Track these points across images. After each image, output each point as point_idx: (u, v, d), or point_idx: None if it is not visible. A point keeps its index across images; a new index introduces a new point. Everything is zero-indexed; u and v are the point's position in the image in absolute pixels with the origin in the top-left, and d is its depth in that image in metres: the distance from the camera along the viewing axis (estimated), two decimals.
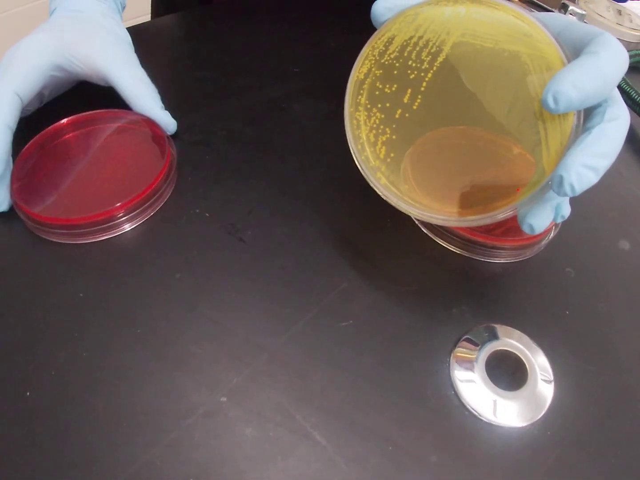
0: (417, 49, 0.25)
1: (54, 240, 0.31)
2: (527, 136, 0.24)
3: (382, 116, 0.26)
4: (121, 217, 0.31)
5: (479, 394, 0.27)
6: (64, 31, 0.35)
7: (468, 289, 0.31)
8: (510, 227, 0.33)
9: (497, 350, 0.28)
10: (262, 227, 0.33)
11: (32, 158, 0.33)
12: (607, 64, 0.23)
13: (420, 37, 0.25)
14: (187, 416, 0.25)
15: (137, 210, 0.32)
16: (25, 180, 0.32)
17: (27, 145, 0.33)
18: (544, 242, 0.33)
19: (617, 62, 0.23)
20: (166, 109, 0.36)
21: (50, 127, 0.35)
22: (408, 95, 0.26)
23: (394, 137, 0.26)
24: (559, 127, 0.23)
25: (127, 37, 0.39)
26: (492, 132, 0.25)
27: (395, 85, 0.26)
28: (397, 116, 0.26)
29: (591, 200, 0.37)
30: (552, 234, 0.33)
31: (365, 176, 0.28)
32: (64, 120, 0.35)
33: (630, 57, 0.50)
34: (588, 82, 0.22)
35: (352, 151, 0.28)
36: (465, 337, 0.29)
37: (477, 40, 0.24)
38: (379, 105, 0.27)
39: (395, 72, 0.26)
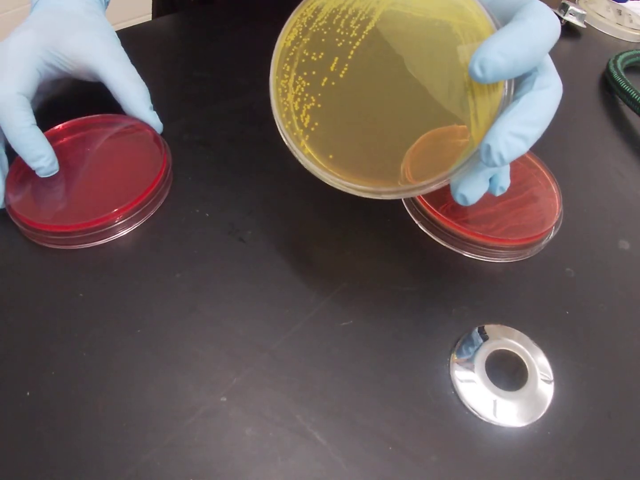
0: (346, 17, 0.25)
1: (51, 246, 0.31)
2: (457, 107, 0.23)
3: (308, 84, 0.26)
4: (119, 222, 0.31)
5: (479, 394, 0.27)
6: (48, 27, 0.34)
7: (468, 289, 0.31)
8: (510, 227, 0.33)
9: (497, 350, 0.28)
10: (262, 227, 0.33)
11: (27, 164, 0.33)
12: (535, 31, 0.22)
13: (350, 6, 0.25)
14: (187, 416, 0.25)
15: (135, 214, 0.32)
16: (21, 186, 0.32)
17: None
18: (544, 242, 0.33)
19: (546, 29, 0.22)
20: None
21: (45, 133, 0.34)
22: (335, 63, 0.25)
23: (319, 105, 0.25)
24: (488, 98, 0.23)
25: (113, 33, 0.37)
26: (423, 104, 0.24)
27: (322, 54, 0.25)
28: (322, 84, 0.25)
29: (591, 200, 0.37)
30: (552, 234, 0.34)
31: (288, 145, 0.26)
32: (59, 126, 0.35)
33: (630, 57, 0.50)
34: (515, 49, 0.21)
35: (275, 119, 0.27)
36: (465, 337, 0.29)
37: (408, 10, 0.24)
38: (305, 74, 0.26)
39: (323, 40, 0.25)
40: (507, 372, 0.28)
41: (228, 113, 0.40)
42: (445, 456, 0.25)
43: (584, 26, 0.55)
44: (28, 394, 0.25)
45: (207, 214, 0.33)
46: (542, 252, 0.33)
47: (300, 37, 0.26)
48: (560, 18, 0.55)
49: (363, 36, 0.24)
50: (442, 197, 0.34)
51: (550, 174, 0.36)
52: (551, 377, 0.28)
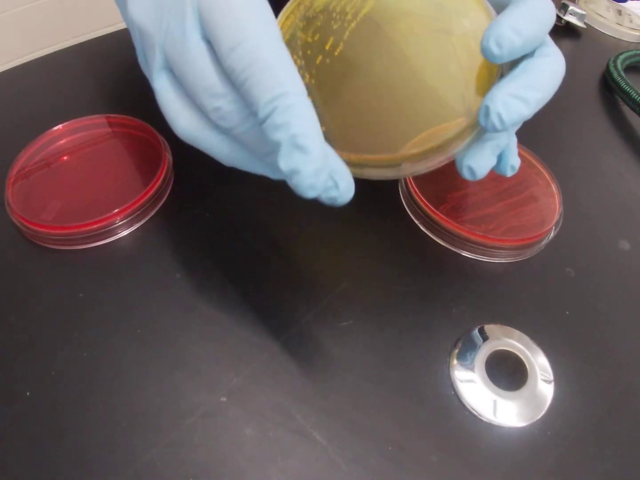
0: (342, 3, 0.25)
1: (51, 247, 0.31)
2: (451, 90, 0.24)
3: (302, 62, 0.25)
4: (119, 222, 0.31)
5: (479, 394, 0.27)
6: None
7: (468, 289, 0.31)
8: (510, 227, 0.33)
9: (497, 350, 0.28)
10: (262, 227, 0.33)
11: (27, 164, 0.33)
12: (538, 8, 0.22)
13: None
14: (187, 416, 0.25)
15: (135, 215, 0.32)
16: (20, 186, 0.32)
17: (22, 152, 0.33)
18: (544, 242, 0.33)
19: (546, 6, 0.23)
20: None
21: (45, 133, 0.34)
22: (330, 42, 0.25)
23: (312, 81, 0.25)
24: (485, 76, 0.23)
25: None
26: (417, 88, 0.24)
27: (317, 35, 0.25)
28: (317, 62, 0.25)
29: (591, 200, 0.37)
30: (552, 234, 0.34)
31: None
32: (59, 126, 0.35)
33: (630, 57, 0.50)
34: (526, 26, 0.21)
35: None
36: (465, 337, 0.29)
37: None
38: (300, 53, 0.25)
39: (319, 23, 0.25)
40: (507, 372, 0.28)
41: None
42: (445, 456, 0.25)
43: (584, 26, 0.55)
44: (28, 394, 0.25)
45: (207, 214, 0.33)
46: (542, 252, 0.33)
47: (297, 21, 0.26)
48: (560, 18, 0.54)
49: (358, 18, 0.25)
50: (442, 197, 0.34)
51: (550, 174, 0.36)
52: (551, 377, 0.28)
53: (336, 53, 0.25)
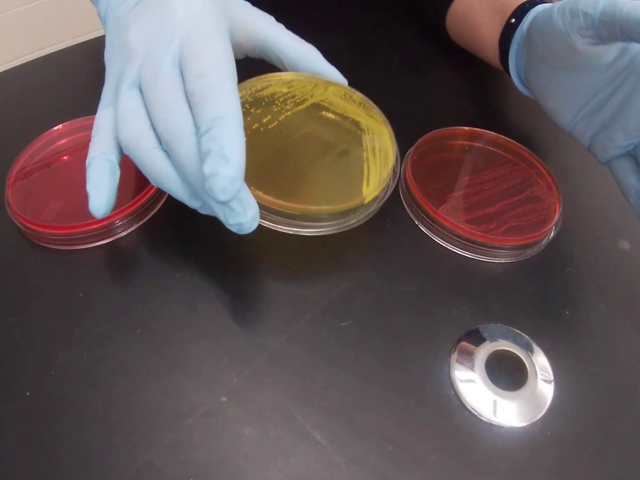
0: (285, 98, 0.32)
1: (51, 247, 0.31)
2: (356, 174, 0.30)
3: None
4: (119, 223, 0.31)
5: (479, 394, 0.27)
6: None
7: (468, 289, 0.31)
8: (511, 227, 0.33)
9: (497, 350, 0.28)
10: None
11: (27, 164, 0.33)
12: None
13: (289, 92, 0.32)
14: (187, 416, 0.25)
15: (135, 215, 0.32)
16: (20, 186, 0.32)
17: (22, 152, 0.33)
18: (544, 242, 0.33)
19: None
20: None
21: (45, 133, 0.34)
22: (268, 118, 0.31)
23: (247, 133, 0.27)
24: (380, 168, 0.30)
25: None
26: (320, 174, 0.30)
27: (259, 110, 0.31)
28: (253, 127, 0.30)
29: (591, 200, 0.37)
30: (552, 234, 0.34)
31: None
32: (59, 126, 0.35)
33: None
34: None
35: None
36: (465, 337, 0.29)
37: (332, 106, 0.32)
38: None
39: (263, 103, 0.31)
40: (507, 372, 0.28)
41: None
42: (445, 456, 0.25)
43: None
44: (28, 394, 0.25)
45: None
46: (542, 252, 0.33)
47: (247, 96, 0.31)
48: None
49: (295, 110, 0.32)
50: (442, 197, 0.34)
51: (550, 174, 0.36)
52: (551, 377, 0.28)
53: (270, 127, 0.31)
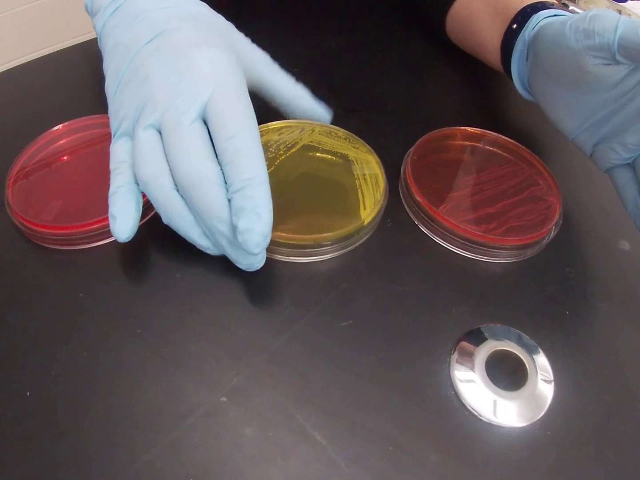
0: (277, 144, 0.35)
1: (51, 247, 0.31)
2: (352, 204, 0.33)
3: None
4: None
5: (479, 394, 0.27)
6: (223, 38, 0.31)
7: (468, 289, 0.31)
8: (510, 227, 0.33)
9: (497, 350, 0.28)
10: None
11: (27, 164, 0.33)
12: None
13: (280, 139, 0.35)
14: (187, 416, 0.25)
15: None
16: (20, 187, 0.32)
17: (22, 152, 0.33)
18: (544, 242, 0.33)
19: None
20: None
21: (45, 133, 0.34)
22: (266, 164, 0.32)
23: None
24: (372, 193, 0.33)
25: (232, 27, 0.35)
26: (321, 205, 0.33)
27: None
28: None
29: (591, 200, 0.37)
30: (552, 234, 0.34)
31: None
32: (59, 126, 0.35)
33: None
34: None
35: None
36: (465, 337, 0.29)
37: (320, 145, 0.35)
38: None
39: None
40: (507, 372, 0.28)
41: None
42: (445, 456, 0.25)
43: None
44: (28, 394, 0.25)
45: None
46: (542, 252, 0.33)
47: None
48: None
49: (288, 154, 0.35)
50: (442, 197, 0.34)
51: (551, 174, 0.36)
52: (551, 377, 0.28)
53: (269, 171, 0.31)
